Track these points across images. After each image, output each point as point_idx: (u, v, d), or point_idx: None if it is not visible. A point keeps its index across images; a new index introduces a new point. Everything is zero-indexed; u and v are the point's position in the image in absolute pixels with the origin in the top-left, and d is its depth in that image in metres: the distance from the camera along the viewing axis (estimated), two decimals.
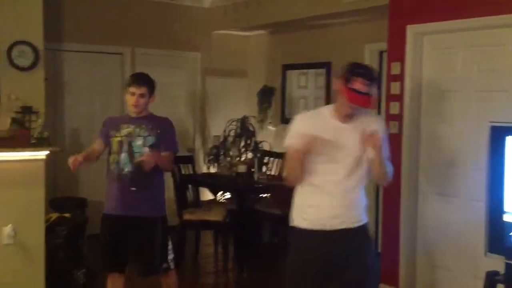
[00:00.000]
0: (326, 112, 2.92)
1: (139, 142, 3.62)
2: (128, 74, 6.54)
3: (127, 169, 3.62)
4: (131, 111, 3.67)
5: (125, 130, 3.65)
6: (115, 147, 3.66)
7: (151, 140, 3.61)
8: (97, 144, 3.80)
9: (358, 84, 2.70)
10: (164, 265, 3.71)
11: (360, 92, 2.70)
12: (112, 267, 3.73)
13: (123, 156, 3.63)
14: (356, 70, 2.75)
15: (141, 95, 3.60)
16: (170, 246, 3.76)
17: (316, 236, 2.87)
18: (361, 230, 2.96)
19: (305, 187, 2.92)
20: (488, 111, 4.11)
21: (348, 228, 2.88)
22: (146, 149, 3.60)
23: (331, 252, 2.87)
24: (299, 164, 2.80)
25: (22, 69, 4.81)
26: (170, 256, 3.76)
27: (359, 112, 2.84)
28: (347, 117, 2.85)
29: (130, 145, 3.63)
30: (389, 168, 2.97)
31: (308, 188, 2.91)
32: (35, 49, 4.81)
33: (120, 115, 3.86)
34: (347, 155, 2.85)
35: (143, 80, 3.65)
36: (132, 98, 3.62)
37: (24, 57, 4.84)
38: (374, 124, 2.92)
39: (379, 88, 5.68)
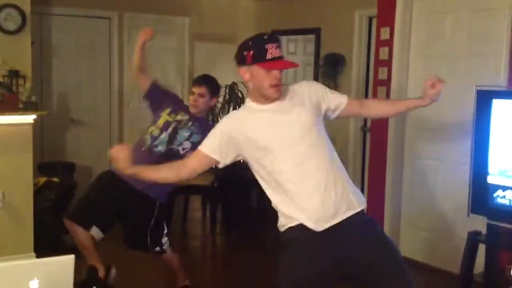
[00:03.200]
0: (249, 106, 2.49)
1: (185, 133, 3.60)
2: (116, 39, 6.58)
3: (160, 148, 3.58)
4: (191, 110, 3.68)
5: (179, 116, 3.64)
6: (161, 122, 3.64)
7: (196, 138, 3.57)
8: (146, 77, 3.77)
9: (271, 51, 2.34)
10: (157, 249, 3.71)
11: (278, 57, 2.35)
12: (90, 220, 3.62)
13: (163, 135, 3.60)
14: (258, 41, 2.38)
15: (200, 95, 3.62)
16: (165, 231, 3.74)
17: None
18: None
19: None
20: (475, 75, 4.15)
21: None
22: (188, 143, 3.59)
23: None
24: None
25: (9, 32, 4.73)
26: (164, 240, 3.73)
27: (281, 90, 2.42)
28: (275, 95, 2.40)
29: (176, 131, 3.61)
30: None
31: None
32: (22, 13, 4.74)
33: (183, 101, 3.85)
34: (297, 139, 2.39)
35: (203, 80, 3.69)
36: (191, 98, 3.66)
37: (11, 21, 4.76)
38: (302, 88, 2.51)
39: (368, 56, 5.72)
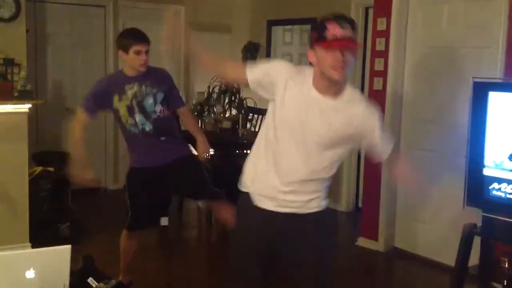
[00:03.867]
0: (309, 76, 2.34)
1: (150, 101, 3.48)
2: (111, 27, 6.53)
3: (148, 128, 3.50)
4: (137, 70, 3.47)
5: (129, 92, 3.47)
6: (123, 111, 3.48)
7: (160, 96, 3.50)
8: (79, 125, 3.57)
9: (333, 30, 2.19)
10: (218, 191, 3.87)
11: (338, 39, 2.19)
12: (145, 223, 3.70)
13: (139, 118, 3.49)
14: (323, 21, 2.25)
15: (147, 52, 3.46)
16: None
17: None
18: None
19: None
20: (472, 67, 4.15)
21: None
22: (158, 106, 3.50)
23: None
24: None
25: (3, 20, 4.70)
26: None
27: (344, 80, 2.27)
28: (331, 87, 2.27)
29: (141, 106, 3.48)
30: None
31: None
32: (16, 0, 4.70)
33: (112, 75, 3.60)
34: (317, 138, 2.32)
35: (146, 36, 3.49)
36: (138, 58, 3.43)
37: (5, 8, 4.72)
38: (364, 115, 2.32)
39: (364, 46, 5.71)
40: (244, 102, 6.78)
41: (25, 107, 4.29)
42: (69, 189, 5.14)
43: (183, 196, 3.71)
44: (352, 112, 2.30)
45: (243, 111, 6.41)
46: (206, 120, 6.40)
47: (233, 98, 6.80)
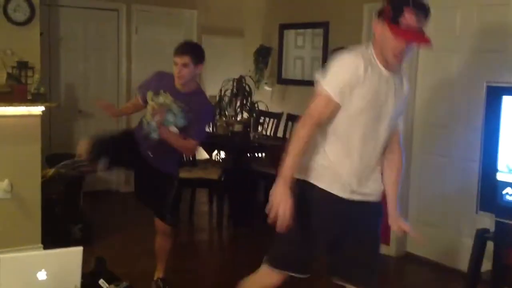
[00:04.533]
0: (371, 55, 2.35)
1: (170, 118, 3.48)
2: (124, 31, 6.59)
3: (154, 135, 3.53)
4: (177, 82, 3.48)
5: (161, 99, 3.50)
6: (149, 109, 3.55)
7: (181, 122, 3.48)
8: (134, 102, 3.79)
9: (408, 19, 2.18)
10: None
11: (409, 30, 2.20)
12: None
13: (154, 123, 3.51)
14: (404, 3, 2.20)
15: (184, 65, 3.40)
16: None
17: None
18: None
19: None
20: (485, 71, 4.12)
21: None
22: (174, 128, 3.49)
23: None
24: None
25: (18, 23, 4.74)
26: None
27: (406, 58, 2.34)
28: (394, 64, 2.32)
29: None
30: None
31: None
32: (31, 4, 4.74)
33: (168, 74, 3.58)
34: (389, 111, 2.40)
35: (186, 49, 3.46)
36: (175, 68, 3.43)
37: (19, 12, 4.76)
38: (406, 79, 2.50)
39: None
40: (256, 105, 6.79)
41: (38, 110, 4.32)
42: (81, 191, 5.16)
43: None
44: (405, 84, 2.44)
45: (254, 115, 6.43)
46: (218, 124, 6.41)
47: (244, 102, 6.82)
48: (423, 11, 2.21)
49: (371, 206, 2.54)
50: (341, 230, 2.50)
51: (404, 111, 2.56)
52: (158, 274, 3.87)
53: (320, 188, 2.43)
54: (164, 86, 3.54)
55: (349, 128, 2.37)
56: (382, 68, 2.33)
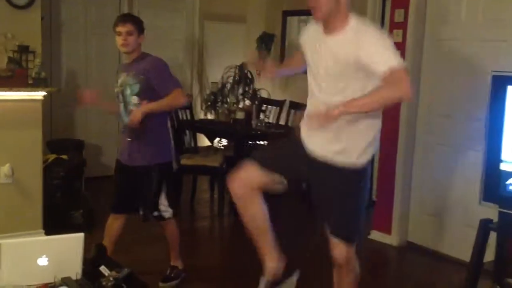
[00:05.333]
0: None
1: (127, 91, 3.52)
2: None
3: (126, 120, 3.56)
4: (123, 52, 3.58)
5: (120, 80, 3.56)
6: (116, 98, 3.61)
7: (136, 88, 3.48)
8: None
9: None
10: (155, 214, 3.66)
11: None
12: (115, 208, 3.75)
13: (122, 107, 3.58)
14: None
15: (128, 33, 3.46)
16: (163, 196, 3.65)
17: None
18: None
19: None
20: (490, 61, 4.08)
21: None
22: (135, 98, 3.50)
23: None
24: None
25: (18, 7, 4.69)
26: (163, 206, 3.65)
27: (334, 17, 2.58)
28: (328, 25, 2.63)
29: (124, 95, 3.56)
30: (390, 95, 2.50)
31: None
32: None
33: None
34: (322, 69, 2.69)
35: (128, 18, 3.55)
36: (119, 38, 3.49)
37: None
38: (360, 34, 2.56)
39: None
40: (258, 93, 6.75)
41: (39, 95, 4.29)
42: (82, 177, 5.16)
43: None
44: (357, 40, 2.52)
45: (256, 102, 6.39)
46: (220, 111, 6.39)
47: (246, 89, 6.78)
48: None
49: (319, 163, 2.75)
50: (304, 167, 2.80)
51: (368, 66, 2.50)
52: (173, 261, 3.87)
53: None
54: (120, 69, 3.66)
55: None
56: (322, 32, 2.67)
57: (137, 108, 3.46)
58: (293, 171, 2.89)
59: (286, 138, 3.08)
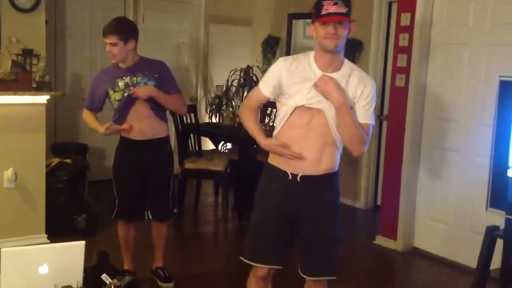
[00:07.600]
0: (307, 58, 2.63)
1: (141, 83, 3.49)
2: (131, 19, 6.49)
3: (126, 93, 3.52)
4: (113, 62, 3.51)
5: (121, 83, 3.48)
6: (116, 104, 3.53)
7: (151, 84, 3.48)
8: (89, 116, 3.70)
9: (327, 6, 2.46)
10: (175, 210, 3.82)
11: (330, 14, 2.45)
12: (127, 215, 3.71)
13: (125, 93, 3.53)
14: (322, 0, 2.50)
15: (112, 44, 3.39)
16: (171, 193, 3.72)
17: None
18: None
19: None
20: (497, 65, 4.04)
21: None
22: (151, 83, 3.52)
23: None
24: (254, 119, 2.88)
25: (23, 10, 4.70)
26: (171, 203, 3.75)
27: (339, 53, 2.57)
28: (331, 62, 2.56)
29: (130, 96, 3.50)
30: (361, 134, 2.57)
31: None
32: None
33: (107, 68, 3.60)
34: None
35: (111, 29, 3.42)
36: (108, 50, 3.44)
37: None
38: (361, 82, 2.61)
39: (387, 42, 5.62)
40: None
41: (43, 98, 4.28)
42: (86, 181, 5.14)
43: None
44: (349, 83, 2.58)
45: (261, 105, 6.34)
46: (224, 114, 6.36)
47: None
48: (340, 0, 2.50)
49: None
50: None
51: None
52: (157, 263, 3.84)
53: None
54: (115, 75, 3.52)
55: None
56: (315, 67, 2.59)
57: (144, 86, 3.45)
58: (286, 247, 2.86)
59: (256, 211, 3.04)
